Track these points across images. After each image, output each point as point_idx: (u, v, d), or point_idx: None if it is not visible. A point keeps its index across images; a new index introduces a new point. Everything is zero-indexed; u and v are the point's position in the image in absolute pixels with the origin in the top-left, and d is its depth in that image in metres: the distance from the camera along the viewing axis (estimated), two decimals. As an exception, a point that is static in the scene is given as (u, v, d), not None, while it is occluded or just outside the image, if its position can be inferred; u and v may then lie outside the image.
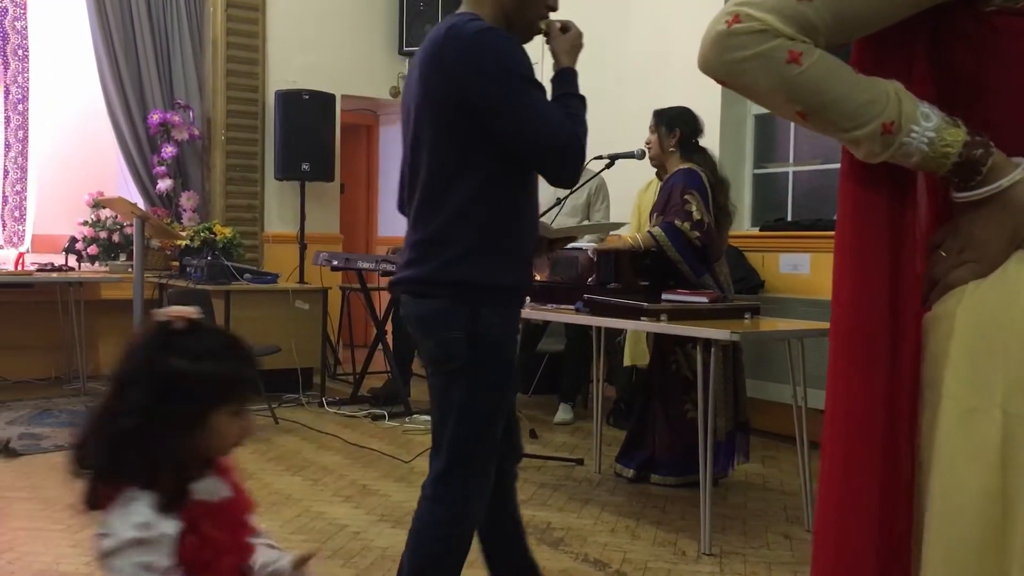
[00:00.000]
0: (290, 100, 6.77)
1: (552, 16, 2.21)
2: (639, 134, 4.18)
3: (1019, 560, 1.06)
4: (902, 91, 1.13)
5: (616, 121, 5.85)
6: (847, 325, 1.23)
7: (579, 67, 2.25)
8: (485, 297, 2.09)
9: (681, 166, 3.93)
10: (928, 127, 1.11)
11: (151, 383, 1.33)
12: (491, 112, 2.01)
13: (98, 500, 1.35)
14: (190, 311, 1.38)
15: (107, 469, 1.35)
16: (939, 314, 1.17)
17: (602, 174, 4.17)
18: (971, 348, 1.13)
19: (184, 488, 1.36)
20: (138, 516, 1.30)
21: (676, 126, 3.97)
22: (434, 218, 2.11)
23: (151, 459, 1.32)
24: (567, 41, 2.17)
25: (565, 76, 2.17)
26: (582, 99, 2.15)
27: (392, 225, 7.99)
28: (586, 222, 5.28)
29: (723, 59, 1.12)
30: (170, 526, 1.31)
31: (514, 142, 2.03)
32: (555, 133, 2.01)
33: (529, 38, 2.19)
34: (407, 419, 5.44)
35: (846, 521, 1.21)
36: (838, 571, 1.24)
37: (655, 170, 4.30)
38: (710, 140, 4.31)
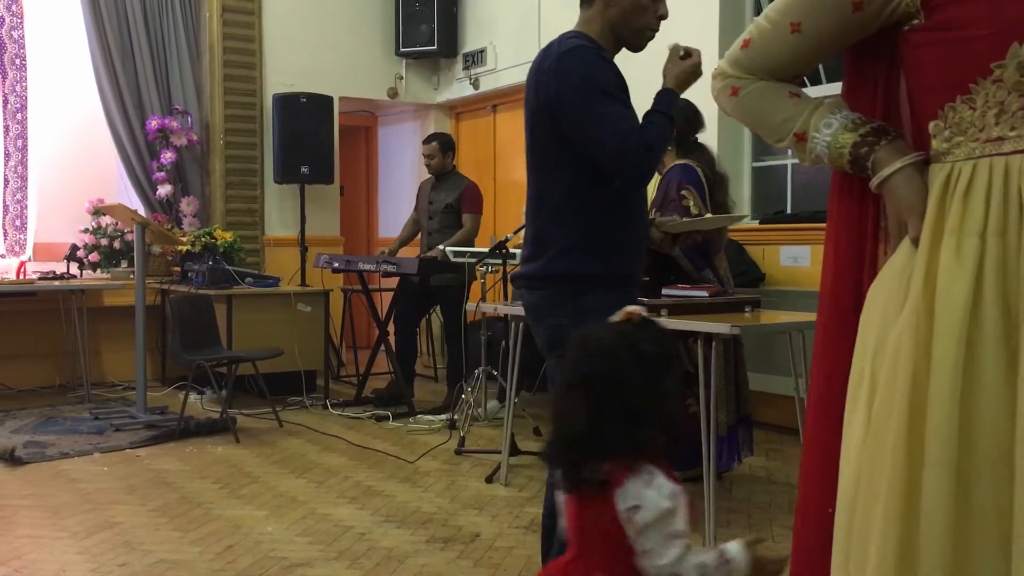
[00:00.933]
0: (288, 103, 6.77)
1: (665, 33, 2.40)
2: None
3: (884, 507, 1.20)
4: (824, 107, 1.40)
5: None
6: (827, 313, 1.44)
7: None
8: (587, 286, 2.27)
9: (677, 162, 3.93)
10: (826, 134, 1.38)
11: (643, 366, 1.50)
12: (568, 119, 2.25)
13: (597, 481, 1.45)
14: (639, 309, 1.60)
15: (629, 449, 1.46)
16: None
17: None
18: (863, 321, 1.34)
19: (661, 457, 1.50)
20: (666, 488, 1.44)
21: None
22: (539, 216, 2.35)
23: (655, 432, 1.48)
24: (680, 67, 2.35)
25: (661, 95, 2.36)
26: (668, 117, 2.32)
27: (392, 226, 7.99)
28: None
29: (713, 95, 1.53)
30: (682, 494, 1.47)
31: (586, 146, 2.25)
32: (621, 141, 2.19)
33: (640, 47, 2.38)
34: (411, 419, 5.45)
35: (819, 494, 1.39)
36: (813, 542, 1.42)
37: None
38: (709, 134, 4.30)
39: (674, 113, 2.34)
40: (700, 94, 2.33)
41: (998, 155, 1.21)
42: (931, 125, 1.30)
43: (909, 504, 1.17)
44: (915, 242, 1.28)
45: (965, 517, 1.15)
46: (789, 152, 5.99)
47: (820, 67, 5.20)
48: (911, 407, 1.19)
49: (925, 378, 1.19)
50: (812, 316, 3.72)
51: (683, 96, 2.36)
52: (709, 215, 3.81)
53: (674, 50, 2.36)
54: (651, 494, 1.43)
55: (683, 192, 3.80)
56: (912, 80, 1.34)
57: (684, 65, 2.34)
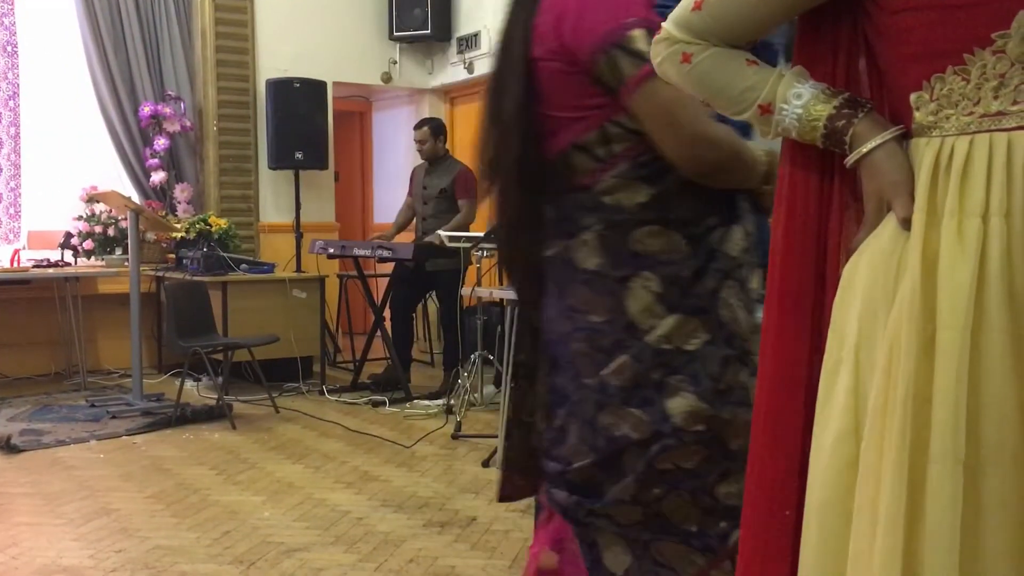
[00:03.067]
0: (281, 89, 6.74)
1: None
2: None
3: (886, 503, 1.13)
4: (789, 76, 1.29)
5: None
6: (777, 287, 1.35)
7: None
8: None
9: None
10: (797, 105, 1.26)
11: None
12: None
13: None
14: None
15: None
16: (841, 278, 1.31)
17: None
18: (839, 305, 1.26)
19: None
20: None
21: None
22: None
23: None
24: None
25: None
26: None
27: (388, 212, 7.97)
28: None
29: (654, 63, 1.37)
30: None
31: None
32: None
33: None
34: (407, 405, 5.45)
35: (770, 471, 1.32)
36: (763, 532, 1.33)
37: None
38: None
39: None
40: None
41: (999, 131, 1.13)
42: (913, 96, 1.21)
43: (913, 499, 1.12)
44: (904, 223, 1.19)
45: (973, 511, 1.10)
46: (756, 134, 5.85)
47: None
48: (915, 401, 1.12)
49: (928, 368, 1.12)
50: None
51: None
52: None
53: None
54: None
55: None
56: (888, 48, 1.24)
57: None
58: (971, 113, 1.16)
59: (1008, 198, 1.11)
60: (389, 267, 6.14)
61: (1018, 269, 1.10)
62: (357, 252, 5.82)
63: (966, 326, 1.10)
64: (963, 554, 1.09)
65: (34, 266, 6.08)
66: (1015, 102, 1.12)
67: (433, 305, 6.78)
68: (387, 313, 6.00)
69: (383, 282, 6.38)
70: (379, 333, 5.89)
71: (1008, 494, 1.09)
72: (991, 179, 1.13)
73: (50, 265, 6.14)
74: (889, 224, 1.23)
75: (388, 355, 5.86)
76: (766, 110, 1.28)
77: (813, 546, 1.24)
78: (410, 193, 6.27)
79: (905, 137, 1.24)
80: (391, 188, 8.11)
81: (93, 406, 5.32)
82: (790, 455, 1.31)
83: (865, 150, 1.23)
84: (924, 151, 1.20)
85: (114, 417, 5.06)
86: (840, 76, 1.31)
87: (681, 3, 1.33)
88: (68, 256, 6.40)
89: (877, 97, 1.30)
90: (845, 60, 1.31)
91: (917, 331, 1.13)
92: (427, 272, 5.64)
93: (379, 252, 5.62)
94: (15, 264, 6.19)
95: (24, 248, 6.58)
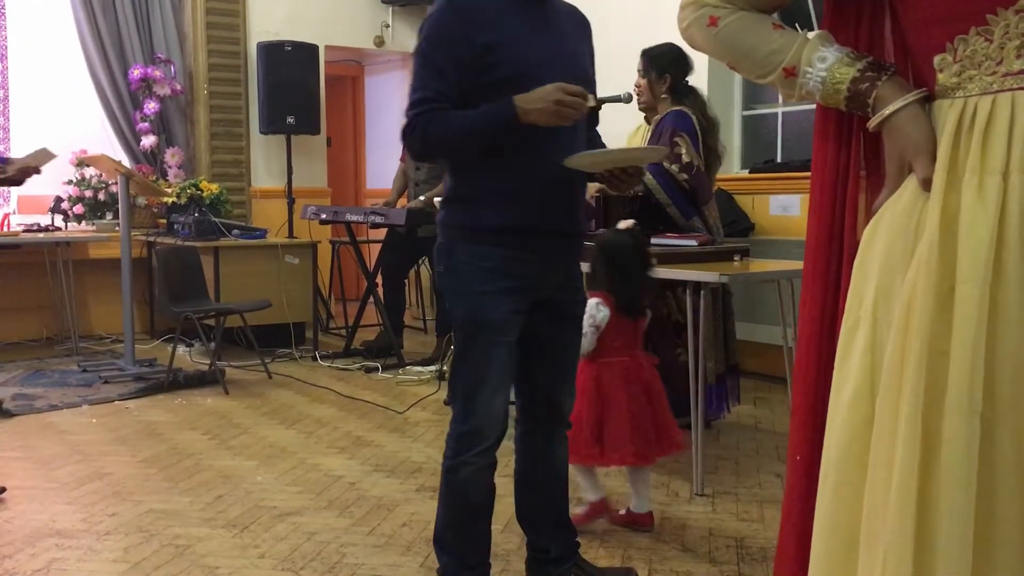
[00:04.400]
0: (273, 52, 6.66)
1: None
2: (626, 75, 4.12)
3: (901, 455, 1.16)
4: (814, 40, 1.32)
5: (602, 61, 5.78)
6: (810, 263, 1.40)
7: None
8: (460, 235, 2.17)
9: (672, 108, 3.89)
10: (821, 68, 1.30)
11: (631, 249, 2.92)
12: None
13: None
14: (631, 223, 2.92)
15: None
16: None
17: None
18: (859, 266, 1.29)
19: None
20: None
21: (666, 71, 3.91)
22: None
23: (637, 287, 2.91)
24: (539, 95, 2.02)
25: (499, 106, 2.06)
26: (473, 121, 2.07)
27: (380, 178, 7.93)
28: None
29: (680, 28, 1.41)
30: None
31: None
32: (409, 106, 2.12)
33: None
34: (400, 371, 5.46)
35: (807, 446, 1.37)
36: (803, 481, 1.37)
37: (643, 114, 4.25)
38: (699, 79, 4.26)
39: (486, 130, 2.06)
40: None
41: (1021, 89, 1.15)
42: (937, 59, 1.23)
43: (927, 450, 1.13)
44: (924, 184, 1.21)
45: (987, 466, 1.11)
46: (779, 99, 5.89)
47: (812, 13, 5.15)
48: (930, 354, 1.14)
49: (945, 322, 1.14)
50: (801, 265, 3.73)
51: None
52: (644, 148, 3.68)
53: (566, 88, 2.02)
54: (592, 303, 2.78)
55: (676, 139, 3.77)
56: (910, 12, 1.26)
57: (540, 94, 2.01)
58: (994, 73, 1.17)
59: None
60: (382, 233, 6.11)
61: None
62: (349, 217, 5.79)
63: (985, 280, 1.12)
64: (978, 500, 1.10)
65: (24, 231, 6.04)
66: None
67: (426, 271, 6.76)
68: (379, 279, 5.99)
69: (376, 248, 6.36)
70: (372, 299, 5.88)
71: (1021, 446, 1.10)
72: (1012, 136, 1.14)
73: (40, 230, 6.10)
74: (910, 185, 1.25)
75: (380, 321, 5.86)
76: (791, 73, 1.32)
77: (827, 499, 1.27)
78: (402, 159, 6.22)
79: (928, 100, 1.26)
80: (383, 153, 8.06)
81: (85, 371, 5.32)
82: (802, 405, 1.39)
83: (887, 112, 1.25)
84: (948, 112, 1.21)
85: (106, 382, 5.05)
86: (863, 40, 1.34)
87: None
88: (59, 221, 6.36)
89: (901, 61, 1.32)
90: (868, 24, 1.34)
91: (935, 286, 1.15)
92: (419, 238, 5.61)
93: (372, 218, 5.59)
94: (5, 229, 6.15)
95: (14, 213, 6.54)
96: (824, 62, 1.29)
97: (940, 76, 1.23)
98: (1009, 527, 1.10)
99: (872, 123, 1.28)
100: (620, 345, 2.86)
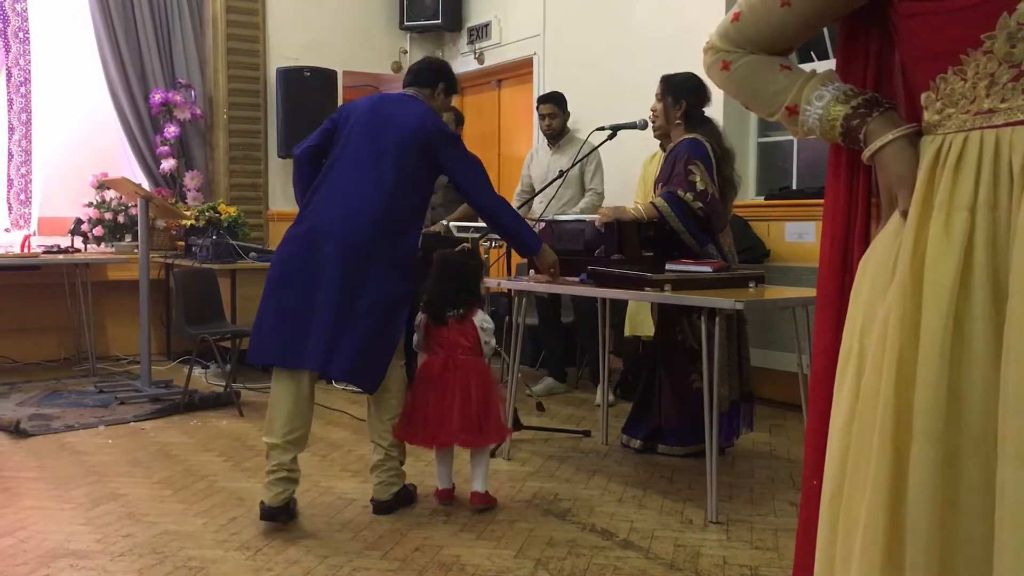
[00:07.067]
0: (291, 77, 6.74)
1: None
2: (642, 103, 4.15)
3: (872, 482, 1.21)
4: (816, 79, 1.39)
5: (617, 88, 5.82)
6: (822, 289, 1.45)
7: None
8: None
9: (686, 136, 3.91)
10: (818, 106, 1.37)
11: (472, 267, 3.52)
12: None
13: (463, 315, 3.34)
14: (467, 245, 3.44)
15: (473, 302, 3.42)
16: None
17: (601, 145, 4.13)
18: (854, 295, 1.35)
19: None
20: (488, 318, 3.45)
21: (682, 97, 3.92)
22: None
23: (477, 297, 3.46)
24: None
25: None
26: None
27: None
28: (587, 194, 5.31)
29: (704, 70, 1.52)
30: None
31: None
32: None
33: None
34: (415, 394, 5.45)
35: (817, 469, 1.40)
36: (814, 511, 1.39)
37: (658, 141, 4.28)
38: (715, 109, 4.28)
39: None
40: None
41: (989, 127, 1.20)
42: (923, 96, 1.29)
43: (896, 478, 1.18)
44: (904, 215, 1.26)
45: (953, 490, 1.15)
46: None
47: (828, 43, 5.17)
48: (898, 382, 1.19)
49: (912, 353, 1.19)
50: (815, 292, 3.72)
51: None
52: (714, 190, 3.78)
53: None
54: (487, 318, 3.42)
55: (691, 167, 3.78)
56: (904, 51, 1.32)
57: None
58: (967, 111, 1.23)
59: (994, 191, 1.18)
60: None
61: (1001, 259, 1.16)
62: (366, 241, 5.80)
63: (948, 312, 1.17)
64: (943, 525, 1.16)
65: (44, 252, 6.10)
66: (1003, 99, 1.19)
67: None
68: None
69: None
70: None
71: (987, 473, 1.14)
72: (980, 173, 1.19)
73: (60, 251, 6.16)
74: (894, 216, 1.30)
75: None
76: (793, 111, 1.40)
77: (825, 525, 1.32)
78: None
79: (919, 135, 1.31)
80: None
81: (102, 392, 5.35)
82: (815, 431, 1.44)
83: (875, 147, 1.31)
84: (928, 147, 1.27)
85: (122, 403, 5.08)
86: (872, 74, 1.40)
87: (725, 16, 1.47)
88: (78, 242, 6.43)
89: (909, 96, 1.37)
90: (877, 60, 1.40)
91: (903, 318, 1.21)
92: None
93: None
94: (25, 250, 6.22)
95: (34, 234, 6.60)
96: (821, 100, 1.37)
97: (925, 113, 1.29)
98: (973, 546, 1.15)
99: (864, 156, 1.34)
100: (434, 344, 3.39)
